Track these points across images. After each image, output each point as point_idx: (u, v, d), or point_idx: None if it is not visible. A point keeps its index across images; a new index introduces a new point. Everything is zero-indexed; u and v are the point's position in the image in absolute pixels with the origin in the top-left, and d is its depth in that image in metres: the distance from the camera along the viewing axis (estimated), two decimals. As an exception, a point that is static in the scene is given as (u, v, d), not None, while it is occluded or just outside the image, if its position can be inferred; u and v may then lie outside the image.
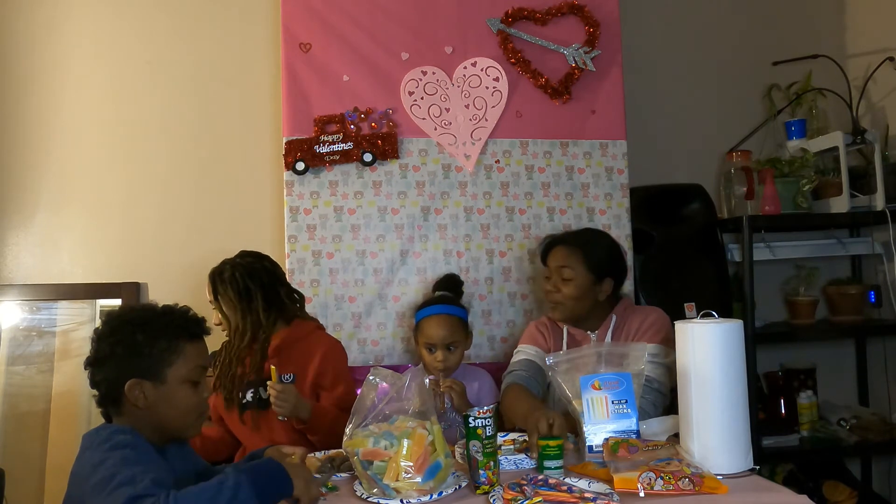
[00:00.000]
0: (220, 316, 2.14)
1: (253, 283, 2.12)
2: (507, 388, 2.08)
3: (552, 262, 2.15)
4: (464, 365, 2.27)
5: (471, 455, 1.51)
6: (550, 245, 2.20)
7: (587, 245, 2.14)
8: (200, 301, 2.71)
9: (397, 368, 2.25)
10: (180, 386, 1.44)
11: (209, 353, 1.54)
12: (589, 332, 2.13)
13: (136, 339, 1.41)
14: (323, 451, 1.83)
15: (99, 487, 1.23)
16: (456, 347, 2.19)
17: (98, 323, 1.45)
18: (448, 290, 2.37)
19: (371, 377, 1.62)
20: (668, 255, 2.68)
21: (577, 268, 2.09)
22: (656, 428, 1.76)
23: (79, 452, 1.38)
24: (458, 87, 2.61)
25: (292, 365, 2.11)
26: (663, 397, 1.99)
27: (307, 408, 1.97)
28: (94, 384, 1.46)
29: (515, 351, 2.22)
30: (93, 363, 1.45)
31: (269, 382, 1.95)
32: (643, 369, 1.78)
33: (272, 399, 1.93)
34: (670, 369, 1.95)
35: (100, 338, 1.44)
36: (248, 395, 2.10)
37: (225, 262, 2.17)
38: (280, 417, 1.98)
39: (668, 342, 1.98)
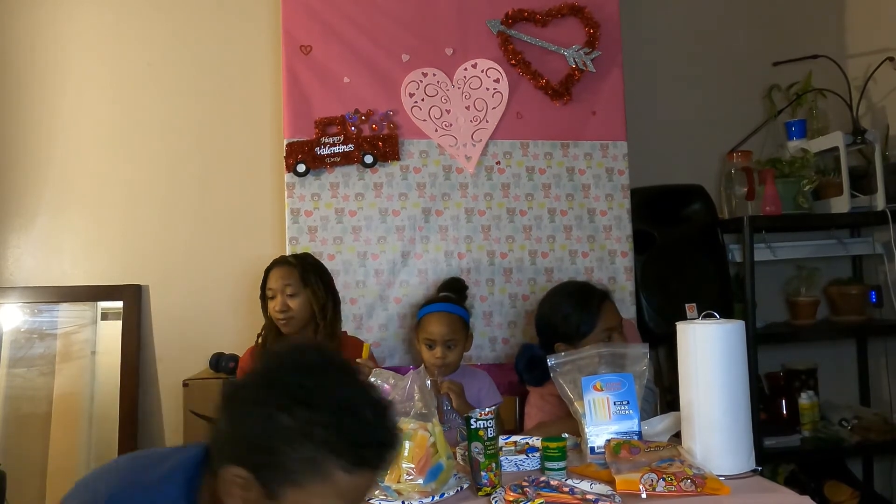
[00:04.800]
0: (297, 304, 2.18)
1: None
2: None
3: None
4: (464, 366, 2.27)
5: (472, 457, 1.51)
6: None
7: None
8: (201, 302, 2.73)
9: (399, 370, 2.25)
10: None
11: None
12: None
13: None
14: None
15: None
16: (455, 346, 2.19)
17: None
18: (452, 292, 2.37)
19: (373, 378, 1.63)
20: (669, 255, 2.68)
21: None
22: (657, 427, 1.76)
23: None
24: (459, 88, 2.61)
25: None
26: (652, 393, 2.00)
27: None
28: None
29: None
30: None
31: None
32: (644, 370, 1.78)
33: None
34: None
35: None
36: None
37: (298, 254, 2.29)
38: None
39: None
